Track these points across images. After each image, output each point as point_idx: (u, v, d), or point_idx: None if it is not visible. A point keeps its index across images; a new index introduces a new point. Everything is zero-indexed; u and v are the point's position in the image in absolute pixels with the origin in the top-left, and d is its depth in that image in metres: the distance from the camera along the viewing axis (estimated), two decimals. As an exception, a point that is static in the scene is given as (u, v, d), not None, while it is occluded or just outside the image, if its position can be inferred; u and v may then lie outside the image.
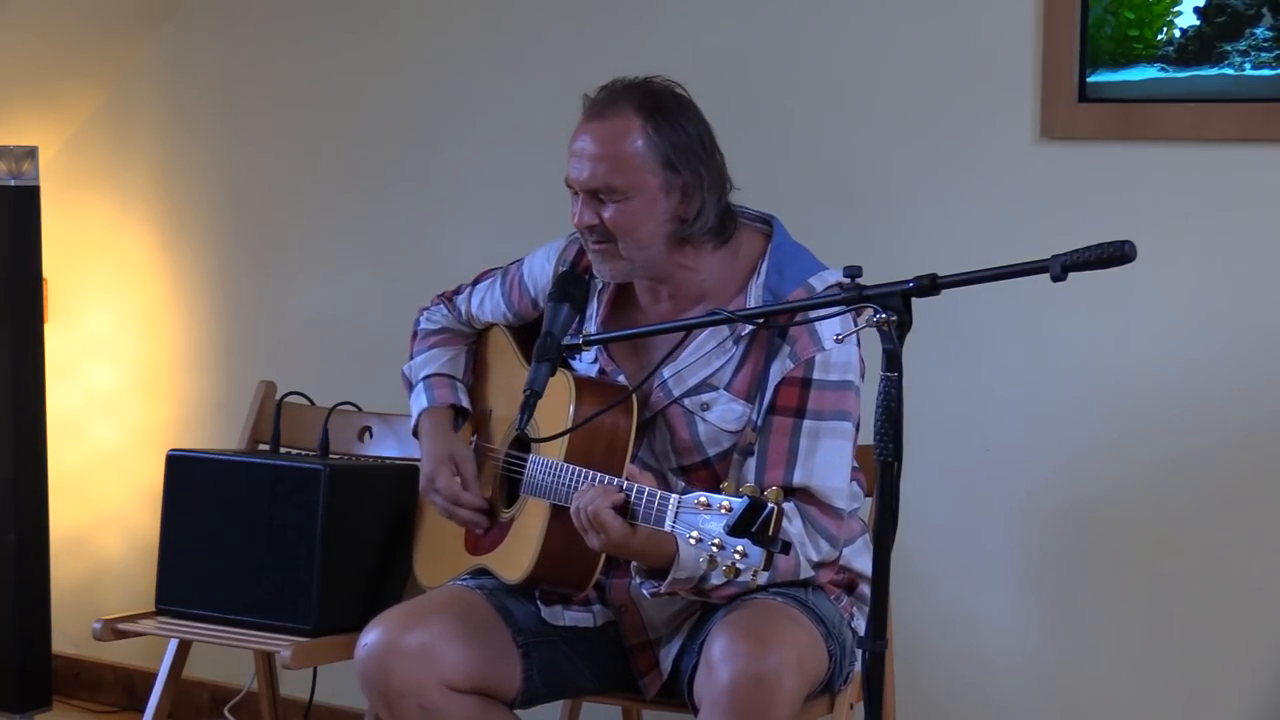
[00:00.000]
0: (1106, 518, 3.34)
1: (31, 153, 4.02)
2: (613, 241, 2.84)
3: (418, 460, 3.19)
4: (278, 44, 4.14)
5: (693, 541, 2.45)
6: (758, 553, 2.39)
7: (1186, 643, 3.29)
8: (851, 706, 2.92)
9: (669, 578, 2.66)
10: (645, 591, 2.73)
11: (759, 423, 2.82)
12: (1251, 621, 3.24)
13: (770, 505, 2.39)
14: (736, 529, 2.40)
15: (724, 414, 2.85)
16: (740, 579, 2.42)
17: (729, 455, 2.87)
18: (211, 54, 4.22)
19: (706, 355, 2.86)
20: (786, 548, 2.42)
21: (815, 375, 2.80)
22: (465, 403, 3.14)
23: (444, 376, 3.16)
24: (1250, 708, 3.24)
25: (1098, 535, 3.36)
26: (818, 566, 2.83)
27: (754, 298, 2.86)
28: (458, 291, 3.23)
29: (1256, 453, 3.22)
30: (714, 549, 2.42)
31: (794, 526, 2.76)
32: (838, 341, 2.78)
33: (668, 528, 2.52)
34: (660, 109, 2.83)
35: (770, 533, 2.39)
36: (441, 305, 3.23)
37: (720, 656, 2.65)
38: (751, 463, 2.82)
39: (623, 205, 2.81)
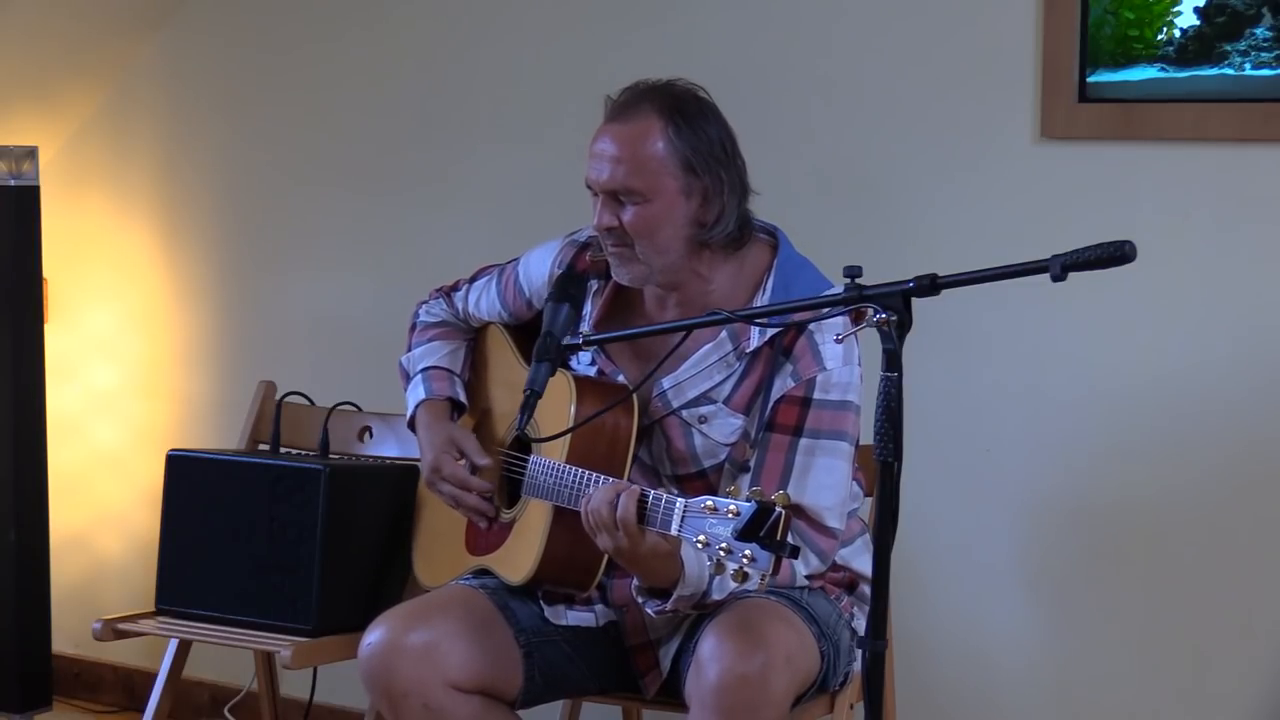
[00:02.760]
0: (1107, 517, 3.34)
1: (31, 153, 4.02)
2: (630, 245, 2.83)
3: (417, 460, 3.18)
4: (278, 44, 4.14)
5: (699, 545, 2.44)
6: (765, 557, 2.39)
7: (1187, 642, 3.30)
8: (851, 707, 2.91)
9: (674, 595, 2.66)
10: (650, 611, 2.72)
11: (756, 438, 2.82)
12: (1253, 621, 3.24)
13: (778, 509, 2.39)
14: (745, 533, 2.39)
15: (721, 427, 2.85)
16: (748, 584, 2.42)
17: (724, 467, 2.87)
18: (211, 54, 4.22)
19: (709, 369, 2.86)
20: (795, 552, 2.42)
21: (815, 395, 2.80)
22: (462, 397, 3.14)
23: (442, 370, 3.15)
24: (1252, 707, 3.24)
25: (1098, 535, 3.36)
26: (808, 579, 2.84)
27: None
28: (455, 287, 3.22)
29: (1257, 452, 3.22)
30: (721, 553, 2.41)
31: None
32: (837, 341, 2.78)
33: (674, 531, 2.52)
34: (681, 111, 2.81)
35: (778, 537, 2.39)
36: (440, 299, 3.23)
37: (709, 655, 2.65)
38: (746, 478, 2.82)
39: (641, 208, 2.80)
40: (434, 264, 3.82)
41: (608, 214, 2.82)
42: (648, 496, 2.59)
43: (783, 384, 2.81)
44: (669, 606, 2.68)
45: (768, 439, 2.81)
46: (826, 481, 2.80)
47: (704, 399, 2.86)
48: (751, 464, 2.82)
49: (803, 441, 2.79)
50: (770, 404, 2.81)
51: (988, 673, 3.46)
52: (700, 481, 2.88)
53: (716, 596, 2.69)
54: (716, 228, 2.83)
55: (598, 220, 2.84)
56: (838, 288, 2.81)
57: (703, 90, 2.87)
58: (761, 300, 2.86)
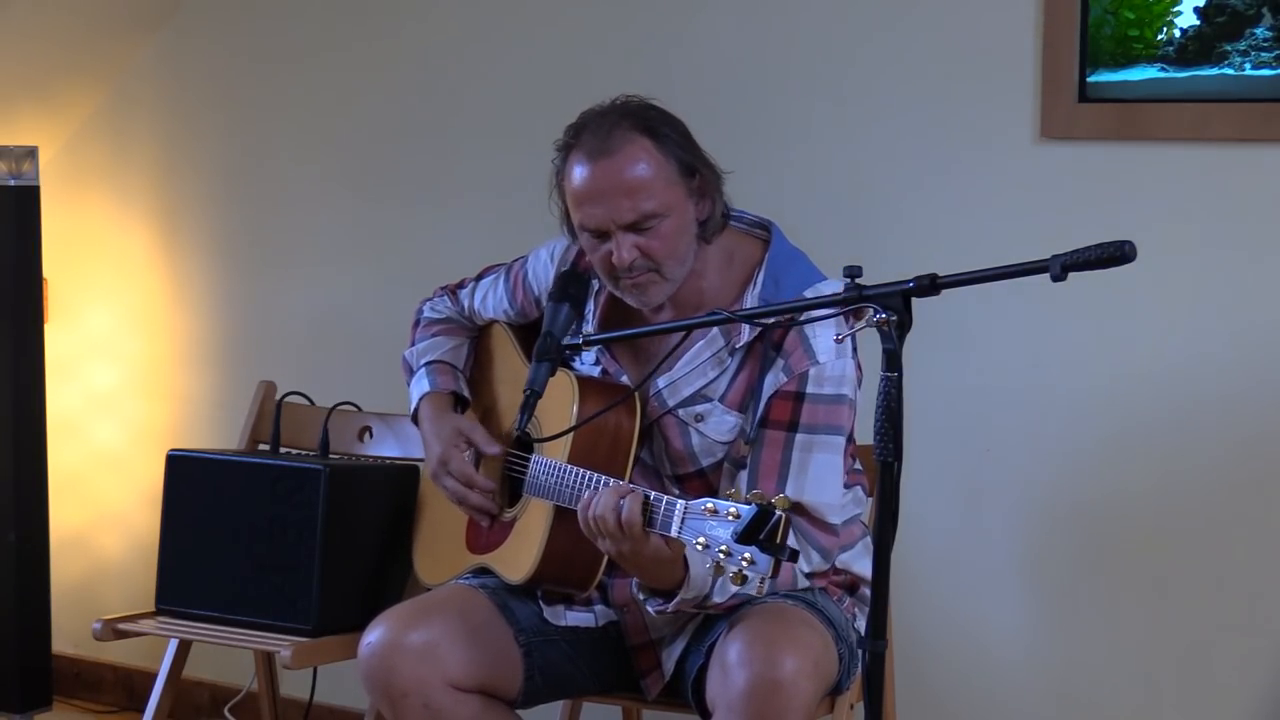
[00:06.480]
0: (1106, 517, 3.34)
1: (31, 153, 4.02)
2: (656, 269, 2.81)
3: (418, 460, 3.18)
4: (276, 44, 4.14)
5: (699, 547, 2.43)
6: (765, 560, 2.38)
7: (1187, 642, 3.30)
8: (852, 707, 2.91)
9: (677, 598, 2.66)
10: (651, 609, 2.72)
11: (751, 435, 2.82)
12: (1252, 620, 3.24)
13: (778, 513, 2.38)
14: (744, 536, 2.39)
15: (717, 425, 2.85)
16: (747, 586, 2.41)
17: (723, 466, 2.87)
18: (211, 54, 4.22)
19: (702, 366, 2.86)
20: (794, 555, 2.41)
21: (809, 389, 2.79)
22: (465, 392, 3.14)
23: (446, 364, 3.15)
24: (1251, 706, 3.24)
25: (1097, 535, 3.36)
26: (809, 577, 2.84)
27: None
28: (461, 285, 3.22)
29: (1256, 452, 3.22)
30: (721, 555, 2.41)
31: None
32: (837, 341, 2.78)
33: (674, 533, 2.51)
34: (652, 120, 2.81)
35: (778, 540, 2.38)
36: (445, 297, 3.23)
37: (736, 660, 2.64)
38: (744, 475, 2.81)
39: (661, 227, 2.78)
40: (434, 264, 3.83)
41: (628, 248, 2.78)
42: (649, 497, 2.59)
43: (775, 379, 2.80)
44: (671, 608, 2.68)
45: (763, 435, 2.80)
46: (826, 478, 2.80)
47: (699, 397, 2.86)
48: (748, 461, 2.81)
49: (799, 437, 2.79)
50: (763, 400, 2.81)
51: (988, 672, 3.46)
52: (699, 481, 2.88)
53: (718, 599, 2.68)
54: (712, 219, 2.84)
55: (618, 258, 2.79)
56: (829, 281, 2.84)
57: (637, 96, 2.86)
58: (752, 294, 2.86)
